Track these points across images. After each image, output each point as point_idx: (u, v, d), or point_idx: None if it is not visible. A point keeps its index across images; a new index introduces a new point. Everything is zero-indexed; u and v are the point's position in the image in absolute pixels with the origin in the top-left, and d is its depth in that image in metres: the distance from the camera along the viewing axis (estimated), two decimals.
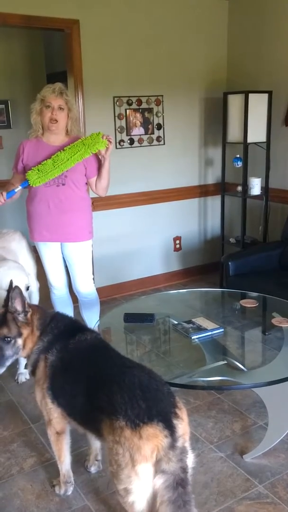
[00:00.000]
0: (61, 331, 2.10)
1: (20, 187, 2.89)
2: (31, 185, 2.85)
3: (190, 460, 1.69)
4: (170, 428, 1.64)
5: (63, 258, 3.19)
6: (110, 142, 2.87)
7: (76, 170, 2.94)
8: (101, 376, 1.86)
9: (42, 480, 2.32)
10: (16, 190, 2.89)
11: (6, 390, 3.08)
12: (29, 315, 2.09)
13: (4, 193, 2.85)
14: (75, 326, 2.20)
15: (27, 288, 2.75)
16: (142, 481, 1.62)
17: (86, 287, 3.24)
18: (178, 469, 1.62)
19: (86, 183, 3.07)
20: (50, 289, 3.31)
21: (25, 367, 3.10)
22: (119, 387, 1.74)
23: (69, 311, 3.38)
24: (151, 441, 1.60)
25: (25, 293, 2.73)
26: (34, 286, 3.44)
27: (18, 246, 3.21)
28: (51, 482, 2.29)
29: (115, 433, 1.66)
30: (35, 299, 3.50)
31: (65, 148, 2.84)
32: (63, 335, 2.08)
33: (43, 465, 2.42)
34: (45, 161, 2.83)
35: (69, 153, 2.81)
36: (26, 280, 2.75)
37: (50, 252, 3.13)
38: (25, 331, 2.08)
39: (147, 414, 1.64)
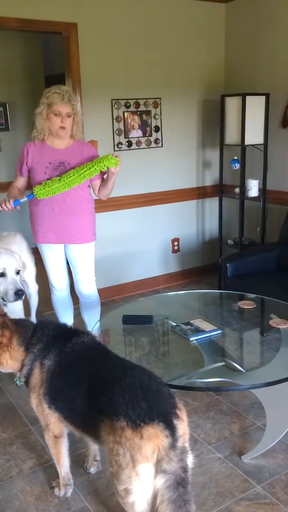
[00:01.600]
0: (52, 336, 2.09)
1: (26, 199, 2.92)
2: (35, 197, 2.87)
3: (190, 460, 1.71)
4: (171, 428, 1.65)
5: (66, 259, 3.21)
6: (119, 160, 2.86)
7: None
8: (101, 378, 1.86)
9: (42, 481, 2.33)
10: (21, 201, 2.91)
11: (5, 392, 3.08)
12: None
13: (12, 201, 2.86)
14: (65, 329, 2.20)
15: (18, 272, 2.78)
16: (142, 481, 1.63)
17: (89, 288, 3.26)
18: (179, 469, 1.63)
19: (89, 186, 3.09)
20: (51, 291, 3.33)
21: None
22: (120, 388, 1.75)
23: (69, 313, 3.40)
24: (152, 441, 1.61)
25: (16, 277, 2.76)
26: (34, 288, 3.45)
27: (18, 249, 3.23)
28: (50, 483, 2.29)
29: (116, 434, 1.67)
30: (34, 301, 3.52)
31: (76, 168, 2.87)
32: (56, 340, 2.07)
33: (42, 466, 2.43)
34: (54, 178, 2.86)
35: (77, 170, 2.83)
36: (16, 264, 2.78)
37: (53, 254, 3.15)
38: None
39: (148, 414, 1.65)
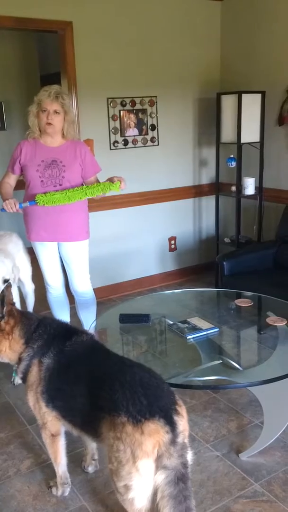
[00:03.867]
0: (52, 334, 2.09)
1: (28, 204, 2.94)
2: (36, 203, 2.89)
3: (190, 456, 1.71)
4: (171, 424, 1.66)
5: (60, 257, 3.21)
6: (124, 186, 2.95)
7: (73, 170, 3.00)
8: (101, 375, 1.87)
9: (39, 481, 2.32)
10: (23, 206, 2.94)
11: (3, 392, 3.08)
12: (2, 322, 2.05)
13: (17, 203, 2.89)
14: (66, 328, 2.19)
15: (6, 281, 2.75)
16: (143, 477, 1.64)
17: (83, 286, 3.26)
18: (179, 465, 1.64)
19: (83, 184, 3.09)
20: (47, 289, 3.33)
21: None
22: (120, 384, 1.76)
23: (65, 312, 3.40)
24: (152, 436, 1.62)
25: (1, 286, 2.72)
26: (30, 287, 3.44)
27: (15, 248, 3.22)
28: (48, 483, 2.29)
29: (116, 429, 1.67)
30: (30, 301, 3.51)
31: (81, 186, 2.96)
32: (56, 338, 2.07)
33: (40, 466, 2.42)
34: (58, 190, 2.93)
35: (82, 187, 2.92)
36: (5, 272, 2.75)
37: (47, 251, 3.15)
38: None
39: (148, 410, 1.66)
